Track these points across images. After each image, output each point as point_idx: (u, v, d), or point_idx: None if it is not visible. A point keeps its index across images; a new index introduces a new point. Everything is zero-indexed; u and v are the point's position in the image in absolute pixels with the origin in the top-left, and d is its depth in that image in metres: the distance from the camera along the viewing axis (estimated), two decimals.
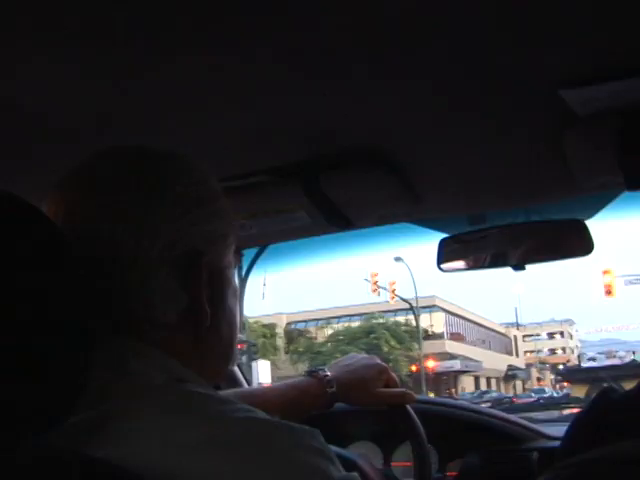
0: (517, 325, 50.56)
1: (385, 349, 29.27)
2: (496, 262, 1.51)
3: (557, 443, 0.90)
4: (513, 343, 47.07)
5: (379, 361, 1.13)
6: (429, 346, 32.50)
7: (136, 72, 0.85)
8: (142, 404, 0.61)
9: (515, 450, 1.50)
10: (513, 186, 1.40)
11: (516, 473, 1.43)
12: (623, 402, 0.73)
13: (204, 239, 0.70)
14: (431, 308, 36.08)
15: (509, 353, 45.47)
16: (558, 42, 0.83)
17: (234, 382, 1.70)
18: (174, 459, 0.57)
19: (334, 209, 1.29)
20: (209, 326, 0.70)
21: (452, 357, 34.47)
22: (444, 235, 1.54)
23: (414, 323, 30.41)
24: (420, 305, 29.80)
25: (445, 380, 35.74)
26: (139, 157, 0.72)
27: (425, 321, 34.94)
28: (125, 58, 0.82)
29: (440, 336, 36.64)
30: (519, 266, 1.46)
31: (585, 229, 1.39)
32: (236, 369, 1.72)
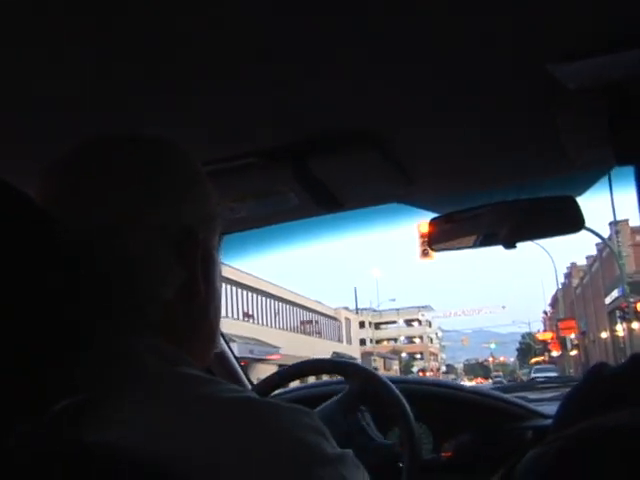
0: (357, 310, 46.28)
1: None
2: (488, 240, 1.51)
3: (551, 421, 0.90)
4: (344, 328, 38.32)
5: None
6: None
7: (120, 55, 0.84)
8: (134, 388, 0.61)
9: (510, 429, 1.50)
10: (504, 165, 1.40)
11: (511, 452, 1.44)
12: (612, 376, 0.73)
13: (197, 218, 0.72)
14: None
15: (339, 339, 37.01)
16: (546, 15, 0.82)
17: (231, 372, 1.69)
18: (162, 441, 0.57)
19: (324, 191, 1.28)
20: (201, 305, 0.72)
21: (233, 340, 25.05)
22: (435, 214, 1.53)
23: None
24: None
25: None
26: (133, 141, 0.73)
27: None
28: (108, 40, 0.80)
29: None
30: (510, 244, 1.45)
31: (576, 205, 1.39)
32: (232, 359, 1.72)
